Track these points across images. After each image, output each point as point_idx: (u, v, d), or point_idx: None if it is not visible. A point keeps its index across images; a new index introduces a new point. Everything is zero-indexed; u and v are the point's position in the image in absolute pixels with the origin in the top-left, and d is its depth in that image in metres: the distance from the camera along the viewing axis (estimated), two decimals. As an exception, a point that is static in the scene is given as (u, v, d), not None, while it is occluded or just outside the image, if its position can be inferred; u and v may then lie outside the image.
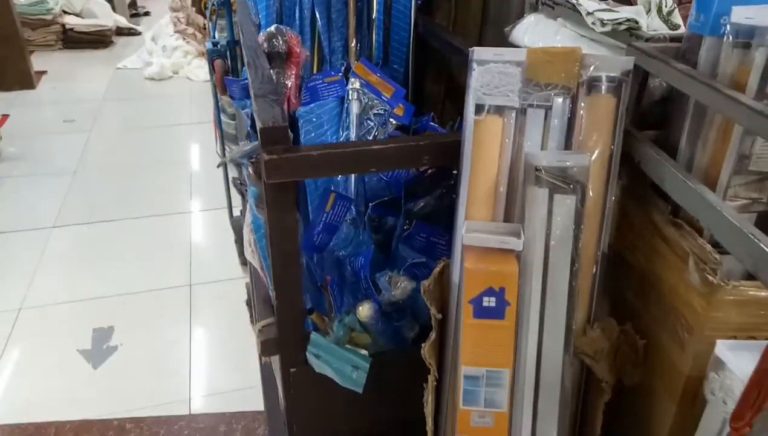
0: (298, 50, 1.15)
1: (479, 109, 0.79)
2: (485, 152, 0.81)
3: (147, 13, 6.98)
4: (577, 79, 0.79)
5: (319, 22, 1.45)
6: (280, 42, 1.13)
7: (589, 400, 0.85)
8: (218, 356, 2.11)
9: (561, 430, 0.81)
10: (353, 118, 1.13)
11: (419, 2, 1.49)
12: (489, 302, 0.76)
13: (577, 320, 0.84)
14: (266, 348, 1.00)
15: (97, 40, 5.73)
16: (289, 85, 1.16)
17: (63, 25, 5.66)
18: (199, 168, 3.46)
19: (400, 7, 1.43)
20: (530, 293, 0.78)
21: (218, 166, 0.94)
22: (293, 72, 1.16)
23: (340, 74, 1.17)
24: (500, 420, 0.80)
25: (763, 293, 0.65)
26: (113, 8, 6.16)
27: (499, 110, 0.80)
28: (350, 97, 1.13)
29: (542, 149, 0.82)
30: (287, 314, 0.96)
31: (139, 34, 6.06)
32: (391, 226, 1.08)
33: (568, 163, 0.74)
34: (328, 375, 0.98)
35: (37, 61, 4.91)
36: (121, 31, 6.07)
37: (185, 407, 1.90)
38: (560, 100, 0.80)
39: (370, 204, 1.05)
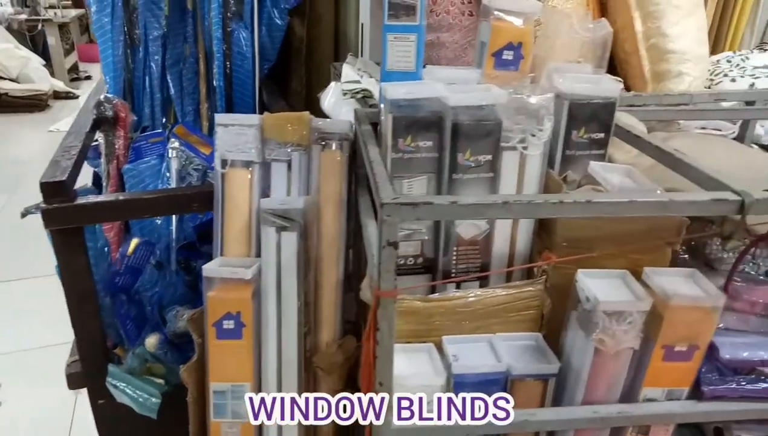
0: (123, 115, 1.31)
1: (224, 163, 0.96)
2: (235, 199, 0.97)
3: (88, 77, 7.13)
4: (308, 138, 0.97)
5: (172, 90, 1.63)
6: (107, 109, 1.29)
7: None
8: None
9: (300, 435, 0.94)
10: (173, 172, 1.29)
11: (264, 71, 1.69)
12: (228, 324, 0.90)
13: (323, 339, 0.99)
14: (72, 381, 1.11)
15: (33, 103, 5.83)
16: (117, 146, 1.32)
17: (-3, 90, 5.76)
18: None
19: (241, 76, 1.62)
20: (267, 315, 0.92)
21: (22, 217, 1.06)
22: (121, 134, 1.32)
23: (164, 135, 1.33)
24: (246, 430, 0.93)
25: (418, 303, 0.81)
26: (53, 73, 6.30)
27: (246, 164, 0.97)
28: (170, 155, 1.29)
29: (288, 196, 0.99)
30: (86, 349, 1.07)
31: (77, 97, 6.19)
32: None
33: (286, 207, 0.90)
34: (127, 403, 1.08)
35: (-32, 125, 4.97)
36: (58, 95, 6.20)
37: (62, 457, 1.93)
38: (297, 155, 0.98)
39: (174, 247, 1.18)
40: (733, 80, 1.40)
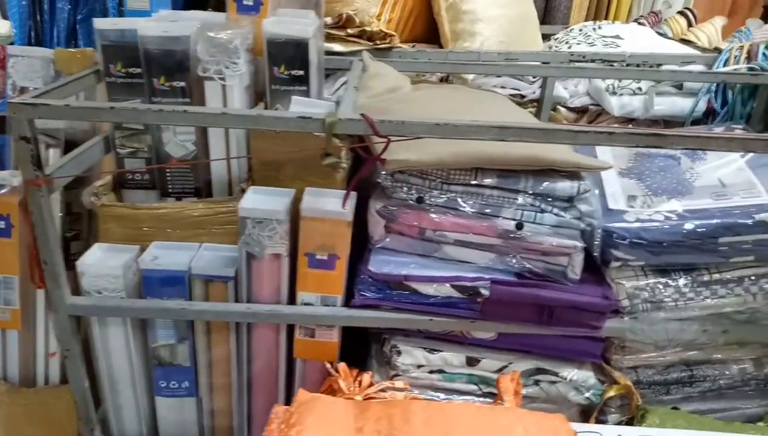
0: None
1: (14, 89, 1.12)
2: (26, 121, 1.13)
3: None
4: (91, 71, 1.12)
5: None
6: None
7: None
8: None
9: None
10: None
11: None
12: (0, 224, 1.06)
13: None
14: None
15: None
16: (-4, 84, 1.51)
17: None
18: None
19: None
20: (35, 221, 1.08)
21: None
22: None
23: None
24: (15, 314, 1.09)
25: (126, 210, 0.94)
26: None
27: (37, 92, 1.12)
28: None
29: (75, 122, 1.14)
30: None
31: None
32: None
33: (50, 126, 1.05)
34: None
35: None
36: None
37: None
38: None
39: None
40: (570, 47, 1.44)
